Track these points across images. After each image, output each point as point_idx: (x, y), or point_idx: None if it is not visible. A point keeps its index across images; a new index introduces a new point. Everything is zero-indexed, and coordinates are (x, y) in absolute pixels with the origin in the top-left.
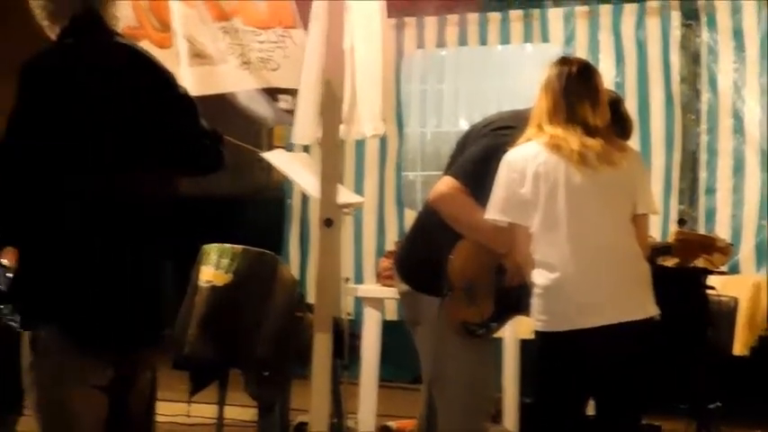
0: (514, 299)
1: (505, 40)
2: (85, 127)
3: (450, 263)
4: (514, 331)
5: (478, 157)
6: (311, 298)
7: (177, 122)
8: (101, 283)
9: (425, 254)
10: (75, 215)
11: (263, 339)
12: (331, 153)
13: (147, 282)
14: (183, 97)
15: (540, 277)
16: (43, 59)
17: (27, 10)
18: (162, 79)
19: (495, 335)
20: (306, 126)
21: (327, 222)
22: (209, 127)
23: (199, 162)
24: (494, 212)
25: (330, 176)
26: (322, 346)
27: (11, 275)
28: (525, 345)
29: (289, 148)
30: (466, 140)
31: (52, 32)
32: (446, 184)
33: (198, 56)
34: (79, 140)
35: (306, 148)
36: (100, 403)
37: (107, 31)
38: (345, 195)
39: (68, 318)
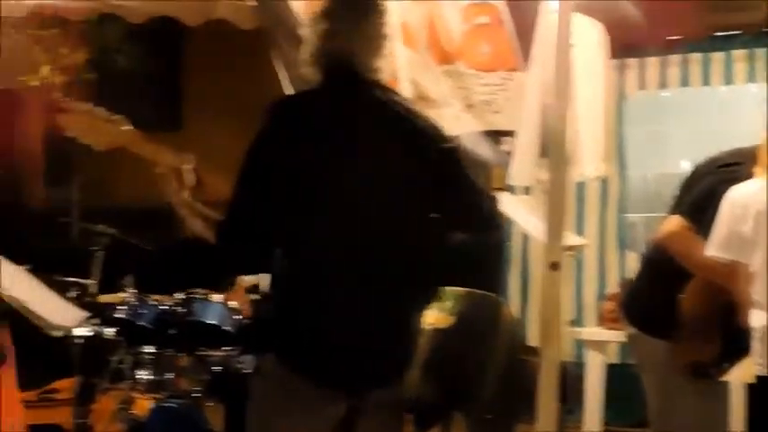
0: (746, 338)
1: (729, 80)
2: (329, 172)
3: (681, 303)
4: (741, 374)
5: (704, 196)
6: (532, 341)
7: (446, 175)
8: (340, 321)
9: (653, 295)
10: (318, 254)
11: (486, 382)
12: (557, 196)
13: (388, 323)
14: (452, 150)
15: (758, 319)
16: (289, 102)
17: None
18: (426, 131)
19: (723, 378)
20: (523, 167)
21: (554, 266)
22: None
23: (477, 220)
24: (714, 249)
25: (556, 219)
26: (547, 390)
27: (238, 317)
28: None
29: (509, 190)
30: (692, 180)
31: (306, 82)
32: (674, 223)
33: (421, 99)
34: (320, 183)
35: (527, 190)
36: None
37: (361, 79)
38: (569, 238)
39: (299, 355)
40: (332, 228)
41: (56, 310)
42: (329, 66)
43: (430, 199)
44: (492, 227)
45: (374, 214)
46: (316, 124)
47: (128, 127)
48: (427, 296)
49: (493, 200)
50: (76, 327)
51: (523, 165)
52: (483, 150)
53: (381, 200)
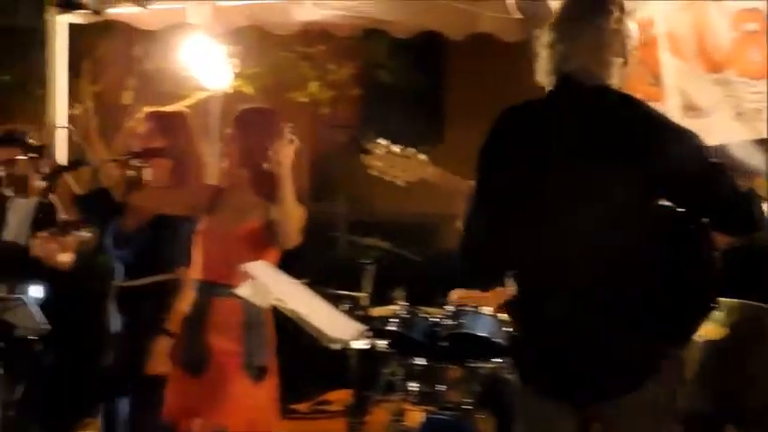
0: None
1: None
2: (551, 181)
3: None
4: None
5: None
6: None
7: (695, 174)
8: (572, 333)
9: None
10: (549, 265)
11: (759, 394)
12: None
13: (620, 334)
14: (701, 150)
15: None
16: (511, 112)
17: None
18: (669, 133)
19: None
20: None
21: None
22: (739, 186)
23: (738, 220)
24: None
25: None
26: None
27: (509, 329)
28: None
29: None
30: None
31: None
32: None
33: (690, 108)
34: (543, 194)
35: None
36: None
37: (586, 88)
38: None
39: (534, 370)
40: (560, 240)
41: (334, 324)
42: (556, 75)
43: (678, 203)
44: (754, 227)
45: (607, 225)
46: (535, 133)
47: (422, 158)
48: (687, 306)
49: (755, 200)
50: (354, 340)
51: None
52: (754, 159)
53: (614, 210)
